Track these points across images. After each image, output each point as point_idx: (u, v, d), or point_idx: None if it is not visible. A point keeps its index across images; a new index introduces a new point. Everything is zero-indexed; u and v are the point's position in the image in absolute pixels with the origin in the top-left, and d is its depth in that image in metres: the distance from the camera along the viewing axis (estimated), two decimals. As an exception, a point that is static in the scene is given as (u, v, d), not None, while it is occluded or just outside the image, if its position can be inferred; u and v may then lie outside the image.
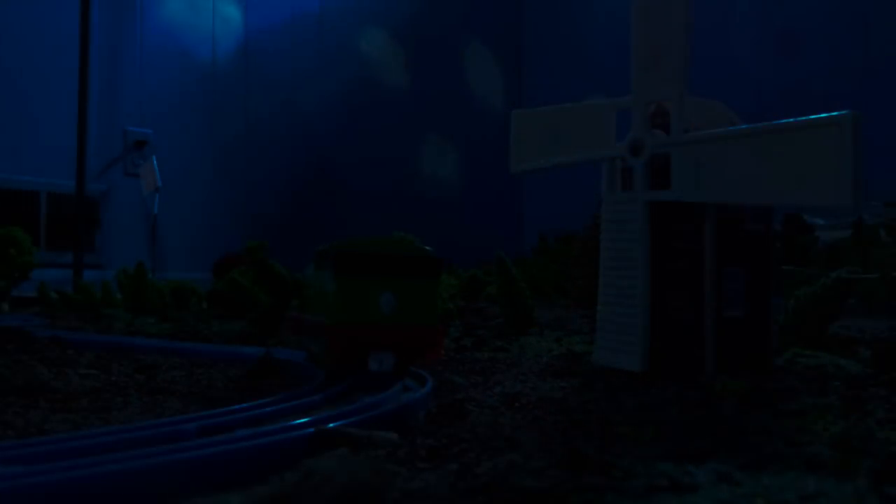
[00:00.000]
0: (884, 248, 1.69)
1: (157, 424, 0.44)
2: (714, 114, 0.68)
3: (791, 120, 0.56)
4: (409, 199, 4.63)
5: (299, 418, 0.46)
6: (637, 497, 0.32)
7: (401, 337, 0.63)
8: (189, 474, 0.35)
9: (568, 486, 0.33)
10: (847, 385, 0.60)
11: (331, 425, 0.44)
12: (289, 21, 4.19)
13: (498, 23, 5.33)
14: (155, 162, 3.30)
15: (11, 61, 3.16)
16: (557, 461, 0.36)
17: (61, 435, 0.42)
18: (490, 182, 4.87)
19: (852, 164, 0.52)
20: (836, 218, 2.15)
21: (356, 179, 4.40)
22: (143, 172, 3.31)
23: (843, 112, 0.53)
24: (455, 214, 4.87)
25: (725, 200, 0.63)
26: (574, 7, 5.09)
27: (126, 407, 0.56)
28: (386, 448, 0.41)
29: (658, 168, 0.65)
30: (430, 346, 0.65)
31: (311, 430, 0.43)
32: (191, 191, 3.69)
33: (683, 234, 0.65)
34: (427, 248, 0.66)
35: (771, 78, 3.94)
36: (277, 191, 4.08)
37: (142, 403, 0.58)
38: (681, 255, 0.65)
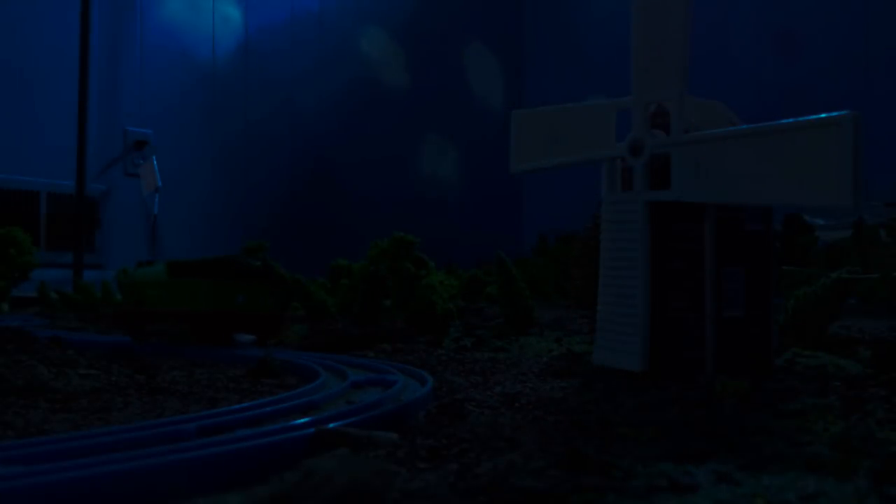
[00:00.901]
0: (884, 248, 1.69)
1: (157, 424, 0.44)
2: (714, 114, 0.68)
3: (791, 120, 0.56)
4: (409, 199, 4.62)
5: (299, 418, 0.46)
6: (637, 497, 0.32)
7: (251, 320, 0.93)
8: (189, 474, 0.35)
9: (568, 486, 0.33)
10: (847, 385, 0.60)
11: (331, 425, 0.44)
12: (289, 21, 4.19)
13: (498, 23, 5.33)
14: (155, 162, 3.30)
15: (11, 61, 3.16)
16: (557, 461, 0.36)
17: (61, 435, 0.42)
18: (490, 182, 4.87)
19: (852, 164, 0.52)
20: (836, 218, 2.15)
21: (356, 179, 4.40)
22: (143, 172, 3.31)
23: (843, 112, 0.53)
24: (455, 214, 4.87)
25: (725, 200, 0.63)
26: (574, 7, 5.09)
27: (126, 407, 0.56)
28: (386, 448, 0.41)
29: (658, 168, 0.65)
30: (270, 327, 0.96)
31: (312, 430, 0.43)
32: (191, 191, 3.69)
33: (683, 234, 0.65)
34: (257, 261, 0.97)
35: (771, 78, 3.94)
36: (277, 191, 4.08)
37: (142, 403, 0.58)
38: (681, 255, 0.65)
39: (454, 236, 4.29)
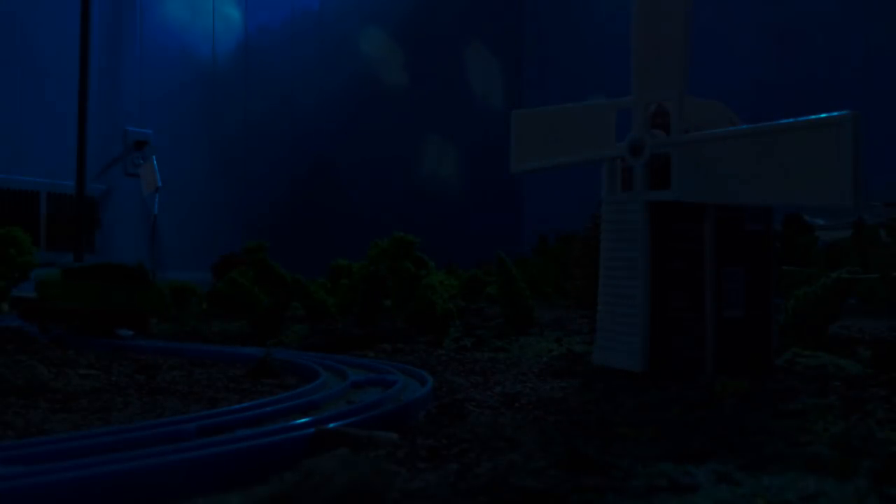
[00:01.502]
0: (884, 248, 1.69)
1: (157, 424, 0.44)
2: (714, 114, 0.68)
3: (791, 120, 0.56)
4: (408, 199, 4.62)
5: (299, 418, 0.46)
6: (637, 497, 0.32)
7: (128, 315, 1.09)
8: (189, 474, 0.35)
9: (568, 486, 0.33)
10: (847, 385, 0.60)
11: (331, 425, 0.44)
12: (289, 20, 4.19)
13: (498, 23, 5.33)
14: (155, 162, 3.30)
15: (11, 61, 3.16)
16: (557, 461, 0.36)
17: (61, 435, 0.42)
18: (490, 182, 4.87)
19: (852, 164, 0.52)
20: (836, 218, 2.15)
21: (356, 179, 4.40)
22: (143, 172, 3.30)
23: (844, 112, 0.53)
24: (455, 214, 4.86)
25: (725, 200, 0.63)
26: (574, 7, 5.09)
27: (126, 407, 0.56)
28: (386, 448, 0.41)
29: (658, 168, 0.65)
30: (143, 321, 1.10)
31: (312, 430, 0.43)
32: (191, 191, 3.69)
33: (683, 234, 0.65)
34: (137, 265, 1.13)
35: (771, 78, 3.94)
36: (277, 191, 4.07)
37: (142, 403, 0.58)
38: (681, 255, 0.65)
39: (454, 236, 4.28)
